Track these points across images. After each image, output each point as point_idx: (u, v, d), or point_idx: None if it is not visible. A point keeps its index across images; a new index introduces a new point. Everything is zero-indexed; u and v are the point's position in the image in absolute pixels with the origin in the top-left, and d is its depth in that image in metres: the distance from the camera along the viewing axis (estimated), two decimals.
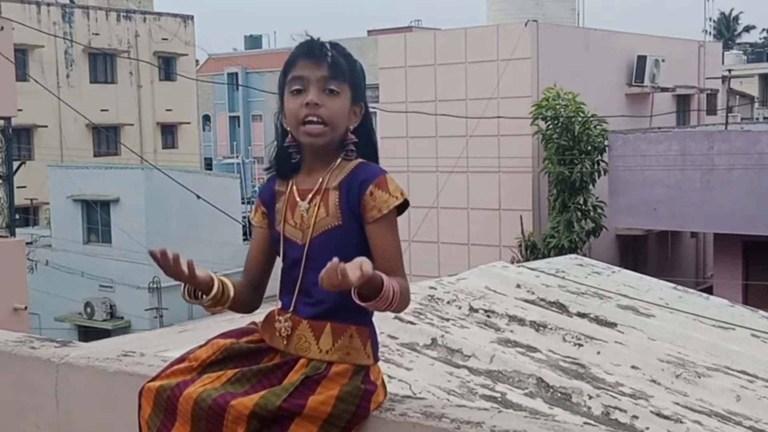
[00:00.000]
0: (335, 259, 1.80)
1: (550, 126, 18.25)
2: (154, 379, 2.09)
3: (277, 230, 2.15)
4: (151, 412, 2.04)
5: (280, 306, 2.14)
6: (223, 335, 2.16)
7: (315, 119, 2.04)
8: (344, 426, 1.99)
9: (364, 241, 2.06)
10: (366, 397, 2.02)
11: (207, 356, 2.09)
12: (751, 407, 3.90)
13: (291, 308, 2.09)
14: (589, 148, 18.28)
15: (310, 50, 2.06)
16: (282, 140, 2.14)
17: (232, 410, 1.94)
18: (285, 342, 2.07)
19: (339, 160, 2.09)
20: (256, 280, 2.22)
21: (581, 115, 18.12)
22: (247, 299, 2.20)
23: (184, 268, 2.02)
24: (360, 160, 2.11)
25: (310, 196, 2.08)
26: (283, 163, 2.15)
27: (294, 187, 2.12)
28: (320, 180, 2.08)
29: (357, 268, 1.80)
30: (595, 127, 18.29)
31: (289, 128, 2.10)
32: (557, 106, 18.03)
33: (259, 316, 2.23)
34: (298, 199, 2.10)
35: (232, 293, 2.14)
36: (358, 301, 1.88)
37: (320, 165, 2.10)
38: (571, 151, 18.05)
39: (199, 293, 2.11)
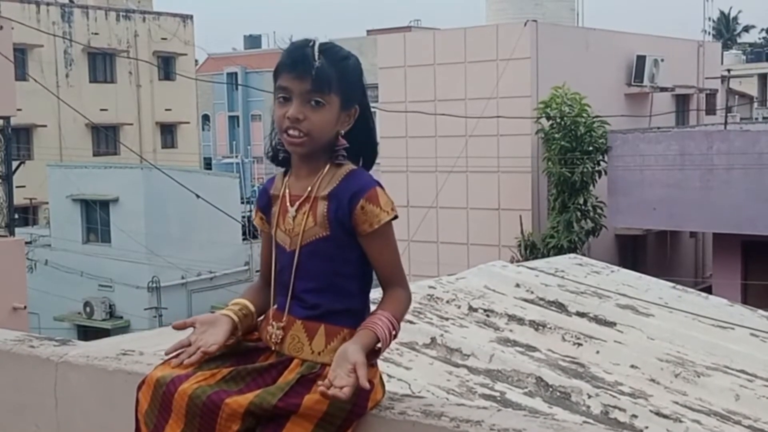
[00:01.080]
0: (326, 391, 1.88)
1: (554, 126, 18.24)
2: (152, 371, 2.09)
3: (271, 234, 2.17)
4: (147, 408, 2.05)
5: (275, 307, 2.14)
6: None
7: (296, 133, 2.03)
8: (340, 424, 1.99)
9: (353, 251, 2.06)
10: (363, 395, 2.02)
11: None
12: (750, 406, 3.90)
13: (285, 310, 2.09)
14: (591, 149, 18.28)
15: (294, 62, 2.02)
16: (275, 139, 2.15)
17: (226, 408, 1.94)
18: (277, 345, 2.09)
19: (328, 166, 2.08)
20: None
21: (584, 116, 18.11)
22: (268, 300, 2.22)
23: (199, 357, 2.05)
24: (351, 167, 2.09)
25: (298, 203, 2.08)
26: (277, 156, 2.17)
27: (287, 191, 2.13)
28: (309, 187, 2.07)
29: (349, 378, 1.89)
30: (598, 128, 18.28)
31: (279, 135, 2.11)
32: (563, 106, 18.02)
33: None
34: (288, 205, 2.10)
35: (253, 310, 2.18)
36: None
37: (309, 168, 2.10)
38: (573, 152, 18.04)
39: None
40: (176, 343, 2.08)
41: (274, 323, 2.10)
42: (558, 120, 18.12)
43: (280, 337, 2.08)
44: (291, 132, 2.03)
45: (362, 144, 2.13)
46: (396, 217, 2.05)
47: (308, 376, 2.00)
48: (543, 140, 18.63)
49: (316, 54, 2.01)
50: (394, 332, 2.05)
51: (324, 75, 2.01)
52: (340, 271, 2.05)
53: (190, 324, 2.09)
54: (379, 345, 2.02)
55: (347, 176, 2.07)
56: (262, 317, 2.20)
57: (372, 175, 2.12)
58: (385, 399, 2.10)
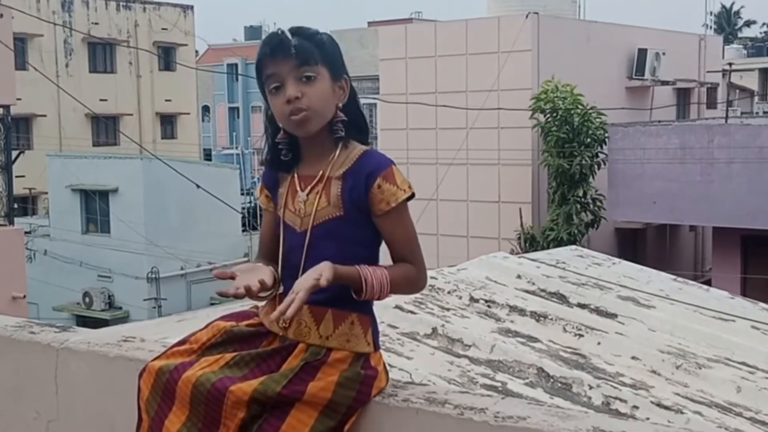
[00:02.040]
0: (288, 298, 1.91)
1: (549, 119, 18.23)
2: (154, 359, 2.08)
3: (278, 215, 2.15)
4: (149, 395, 2.04)
5: (282, 291, 2.13)
6: (224, 318, 2.15)
7: (301, 111, 2.01)
8: (345, 411, 1.98)
9: (365, 231, 2.04)
10: (367, 382, 2.02)
11: (207, 339, 2.08)
12: (752, 398, 3.90)
13: None
14: (589, 140, 18.26)
15: (273, 47, 2.03)
16: (273, 136, 2.12)
17: (231, 396, 1.93)
18: (283, 330, 2.07)
19: (339, 149, 2.07)
20: (275, 258, 2.20)
21: (580, 107, 18.10)
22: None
23: (257, 288, 2.02)
24: (364, 147, 2.08)
25: (311, 185, 2.06)
26: (277, 160, 2.13)
27: (296, 174, 2.11)
28: (321, 170, 2.06)
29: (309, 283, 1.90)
30: (594, 119, 18.26)
31: (280, 124, 2.08)
32: (556, 99, 18.00)
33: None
34: (298, 188, 2.09)
35: (279, 277, 2.14)
36: (354, 296, 1.98)
37: (319, 152, 2.08)
38: (570, 143, 18.02)
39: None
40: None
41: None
42: (552, 112, 18.09)
43: (288, 320, 2.05)
44: (296, 113, 2.02)
45: (351, 119, 2.11)
46: (413, 194, 2.03)
47: (313, 362, 1.99)
48: (540, 134, 18.61)
49: (289, 35, 2.04)
50: (381, 289, 1.98)
51: (305, 49, 2.02)
52: (351, 251, 2.03)
53: (230, 274, 2.04)
54: (364, 294, 1.97)
55: (362, 156, 2.05)
56: (265, 303, 2.18)
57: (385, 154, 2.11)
58: (388, 386, 2.09)
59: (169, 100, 35.64)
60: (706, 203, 16.54)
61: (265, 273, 2.05)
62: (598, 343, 4.24)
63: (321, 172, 2.06)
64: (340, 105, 2.08)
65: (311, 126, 2.04)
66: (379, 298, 2.01)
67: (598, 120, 18.28)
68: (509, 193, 19.27)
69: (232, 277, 2.02)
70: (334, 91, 2.07)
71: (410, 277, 2.04)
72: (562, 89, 18.02)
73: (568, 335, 4.30)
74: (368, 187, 2.00)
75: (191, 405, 1.97)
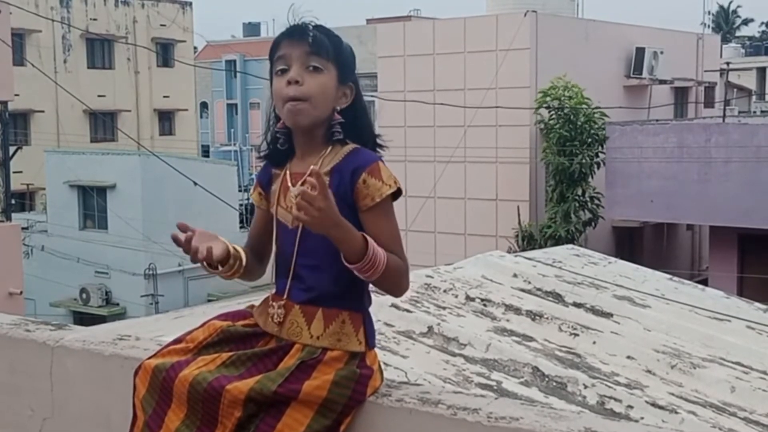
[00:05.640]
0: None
1: (553, 115, 18.24)
2: (150, 357, 2.09)
3: (271, 212, 2.16)
4: (146, 393, 2.04)
5: (274, 291, 2.13)
6: (220, 317, 2.16)
7: (298, 96, 2.02)
8: (341, 410, 1.98)
9: (355, 226, 2.04)
10: (362, 381, 2.02)
11: (203, 338, 2.09)
12: (746, 398, 3.91)
13: (285, 293, 2.08)
14: (590, 139, 18.27)
15: (292, 30, 2.06)
16: (275, 127, 2.14)
17: (227, 394, 1.94)
18: (278, 328, 2.07)
19: (330, 146, 2.07)
20: (259, 253, 2.23)
21: (585, 106, 18.11)
22: (254, 268, 2.23)
23: (202, 255, 2.06)
24: (354, 145, 2.08)
25: (301, 181, 2.06)
26: (274, 151, 2.14)
27: (288, 171, 2.12)
28: (312, 166, 2.06)
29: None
30: (597, 119, 18.28)
31: (277, 110, 2.10)
32: (562, 97, 18.01)
33: (256, 299, 2.23)
34: (290, 184, 2.09)
35: (245, 262, 2.17)
36: (346, 264, 1.93)
37: (312, 150, 2.09)
38: (572, 141, 18.04)
39: (217, 264, 2.13)
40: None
41: (274, 304, 2.09)
42: (557, 109, 18.10)
43: (282, 315, 2.06)
44: (293, 96, 2.03)
45: (354, 126, 2.11)
46: (399, 190, 2.02)
47: (308, 361, 2.00)
48: (542, 130, 18.62)
49: (311, 26, 2.07)
50: (379, 265, 1.94)
51: (320, 40, 2.05)
52: None
53: (191, 229, 2.08)
54: (367, 257, 1.92)
55: (350, 153, 2.06)
56: (260, 303, 2.18)
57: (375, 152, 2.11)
58: (382, 386, 2.10)
59: (167, 97, 35.61)
60: (704, 202, 16.56)
61: (218, 245, 2.08)
62: (594, 343, 4.25)
63: (310, 169, 2.07)
64: (338, 108, 2.09)
65: (304, 118, 2.05)
66: (372, 275, 1.95)
67: (601, 120, 18.30)
68: (507, 191, 19.29)
69: (192, 233, 2.06)
70: (336, 92, 2.08)
71: (400, 269, 2.02)
72: (571, 88, 18.03)
73: (564, 334, 4.31)
74: (354, 182, 2.01)
75: (189, 404, 1.98)
